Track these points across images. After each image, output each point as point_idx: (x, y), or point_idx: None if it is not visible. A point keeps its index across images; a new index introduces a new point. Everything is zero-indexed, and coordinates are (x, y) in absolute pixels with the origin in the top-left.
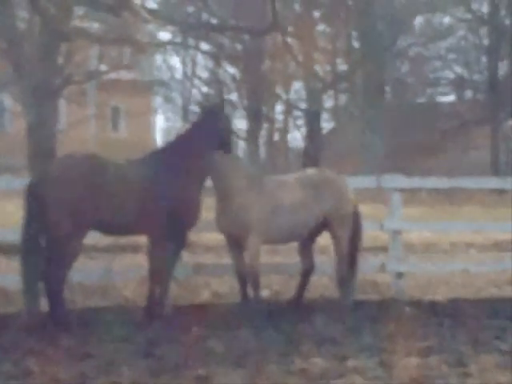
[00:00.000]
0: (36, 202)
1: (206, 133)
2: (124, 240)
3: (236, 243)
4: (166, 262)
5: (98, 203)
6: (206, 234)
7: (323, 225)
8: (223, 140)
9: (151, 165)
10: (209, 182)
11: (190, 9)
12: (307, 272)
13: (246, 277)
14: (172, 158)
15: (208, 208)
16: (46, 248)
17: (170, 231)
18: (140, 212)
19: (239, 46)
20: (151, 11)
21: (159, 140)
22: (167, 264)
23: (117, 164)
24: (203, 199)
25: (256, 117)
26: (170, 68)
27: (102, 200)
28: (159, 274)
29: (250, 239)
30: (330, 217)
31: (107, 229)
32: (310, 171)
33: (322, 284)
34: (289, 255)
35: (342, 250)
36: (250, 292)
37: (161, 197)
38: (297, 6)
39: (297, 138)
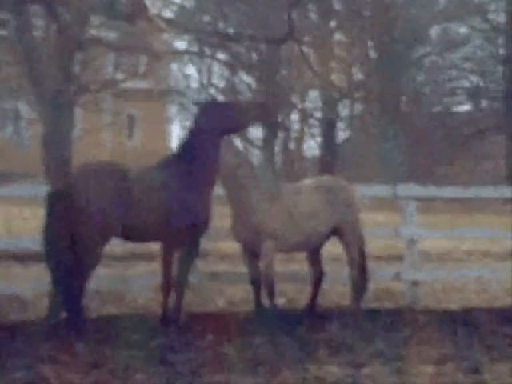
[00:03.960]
0: (59, 210)
1: (206, 130)
2: (138, 248)
3: (251, 251)
4: (181, 268)
5: (122, 210)
6: (221, 243)
7: (332, 232)
8: (227, 129)
9: (166, 170)
10: (223, 191)
11: (206, 18)
12: (318, 279)
13: (261, 284)
14: (181, 163)
15: (223, 216)
16: (67, 256)
17: (185, 237)
18: (158, 218)
19: (255, 55)
20: (167, 20)
21: (175, 148)
22: (182, 271)
23: (136, 170)
24: (218, 208)
25: (271, 125)
26: (186, 77)
27: (125, 207)
28: (174, 281)
29: (266, 247)
30: (341, 224)
31: (129, 236)
32: (323, 178)
33: (336, 291)
34: (303, 263)
35: (354, 257)
36: (265, 300)
37: (175, 202)
38: (313, 15)
39: (312, 146)
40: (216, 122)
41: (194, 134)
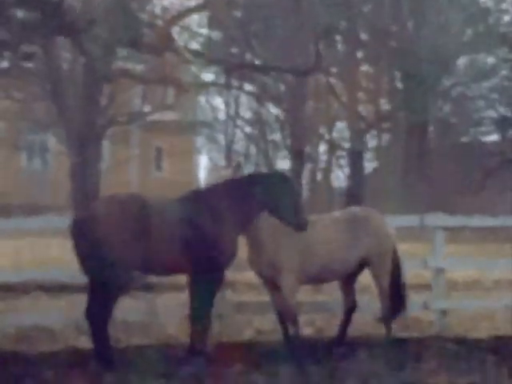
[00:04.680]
0: (82, 239)
1: (260, 191)
2: (166, 279)
3: (271, 282)
4: (205, 300)
5: (143, 243)
6: (248, 273)
7: (364, 263)
8: (277, 209)
9: (191, 204)
10: None
11: (234, 49)
12: (350, 310)
13: (284, 315)
14: (213, 199)
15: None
16: (91, 286)
17: (208, 270)
18: (181, 250)
19: (282, 87)
20: (194, 52)
21: (203, 179)
22: (206, 302)
23: (159, 203)
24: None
25: (299, 157)
26: (213, 108)
27: (146, 240)
28: (200, 312)
29: (283, 279)
30: (369, 255)
31: (150, 268)
32: (352, 209)
33: (365, 322)
34: (332, 292)
35: (384, 287)
36: (292, 329)
37: (199, 236)
38: (340, 47)
39: (340, 177)
40: (265, 200)
41: (246, 184)
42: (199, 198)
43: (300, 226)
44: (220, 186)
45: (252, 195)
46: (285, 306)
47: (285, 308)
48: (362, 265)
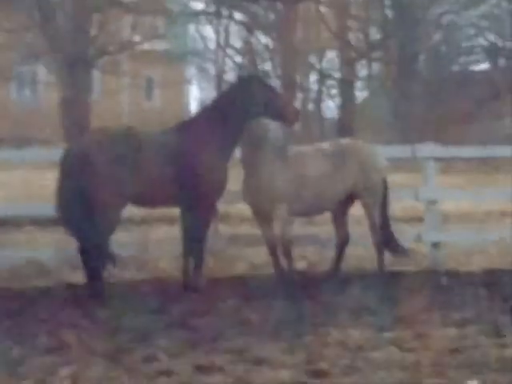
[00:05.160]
0: (72, 173)
1: (238, 102)
2: (159, 212)
3: (264, 215)
4: (198, 232)
5: (135, 175)
6: (240, 205)
7: (353, 195)
8: (259, 110)
9: (182, 134)
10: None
11: None
12: (342, 243)
13: (278, 248)
14: (201, 127)
15: (240, 178)
16: (84, 221)
17: (199, 201)
18: (173, 182)
19: (272, 15)
20: None
21: (193, 109)
22: (199, 235)
23: (150, 135)
24: (235, 170)
25: (290, 86)
26: (203, 38)
27: (138, 172)
28: (192, 245)
29: (278, 210)
30: (357, 186)
31: (143, 201)
32: (340, 141)
33: (358, 255)
34: (325, 225)
35: (374, 219)
36: (284, 263)
37: (190, 166)
38: None
39: (331, 107)
40: (251, 101)
41: (224, 103)
42: (186, 129)
43: (292, 118)
44: (201, 113)
45: (234, 108)
46: (280, 237)
47: (280, 240)
48: (352, 197)
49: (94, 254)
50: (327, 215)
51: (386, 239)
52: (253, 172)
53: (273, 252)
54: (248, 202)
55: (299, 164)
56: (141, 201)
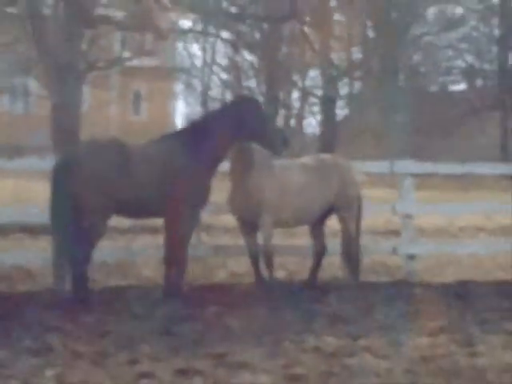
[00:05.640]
0: (65, 182)
1: (228, 120)
2: (143, 221)
3: (248, 225)
4: (180, 241)
5: (123, 186)
6: (224, 216)
7: (331, 208)
8: (252, 132)
9: (167, 146)
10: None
11: None
12: (319, 253)
13: (260, 257)
14: (188, 140)
15: (225, 190)
16: (72, 228)
17: (182, 210)
18: (158, 192)
19: (258, 34)
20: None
21: (179, 123)
22: (181, 244)
23: (137, 147)
24: (220, 182)
25: (273, 103)
26: (191, 55)
27: (126, 183)
28: (175, 254)
29: (263, 219)
30: (336, 200)
31: (130, 211)
32: (321, 156)
33: (336, 265)
34: (304, 237)
35: (349, 232)
36: (264, 272)
37: (174, 176)
38: None
39: (312, 124)
40: (241, 122)
41: (213, 118)
42: (172, 140)
43: (280, 147)
44: (190, 125)
45: (223, 126)
46: (262, 246)
47: (262, 249)
48: (330, 210)
49: (81, 261)
50: (306, 227)
51: (353, 250)
52: (240, 184)
53: (254, 261)
54: (234, 213)
55: (284, 177)
56: (128, 212)
